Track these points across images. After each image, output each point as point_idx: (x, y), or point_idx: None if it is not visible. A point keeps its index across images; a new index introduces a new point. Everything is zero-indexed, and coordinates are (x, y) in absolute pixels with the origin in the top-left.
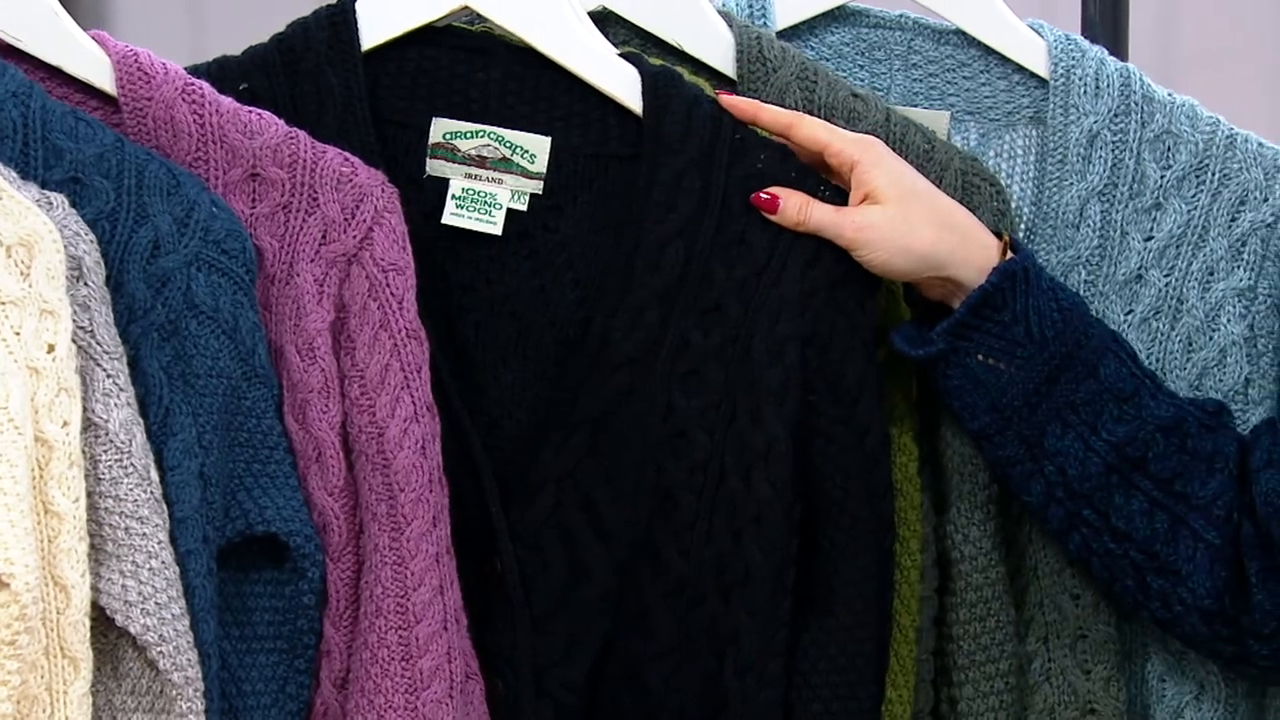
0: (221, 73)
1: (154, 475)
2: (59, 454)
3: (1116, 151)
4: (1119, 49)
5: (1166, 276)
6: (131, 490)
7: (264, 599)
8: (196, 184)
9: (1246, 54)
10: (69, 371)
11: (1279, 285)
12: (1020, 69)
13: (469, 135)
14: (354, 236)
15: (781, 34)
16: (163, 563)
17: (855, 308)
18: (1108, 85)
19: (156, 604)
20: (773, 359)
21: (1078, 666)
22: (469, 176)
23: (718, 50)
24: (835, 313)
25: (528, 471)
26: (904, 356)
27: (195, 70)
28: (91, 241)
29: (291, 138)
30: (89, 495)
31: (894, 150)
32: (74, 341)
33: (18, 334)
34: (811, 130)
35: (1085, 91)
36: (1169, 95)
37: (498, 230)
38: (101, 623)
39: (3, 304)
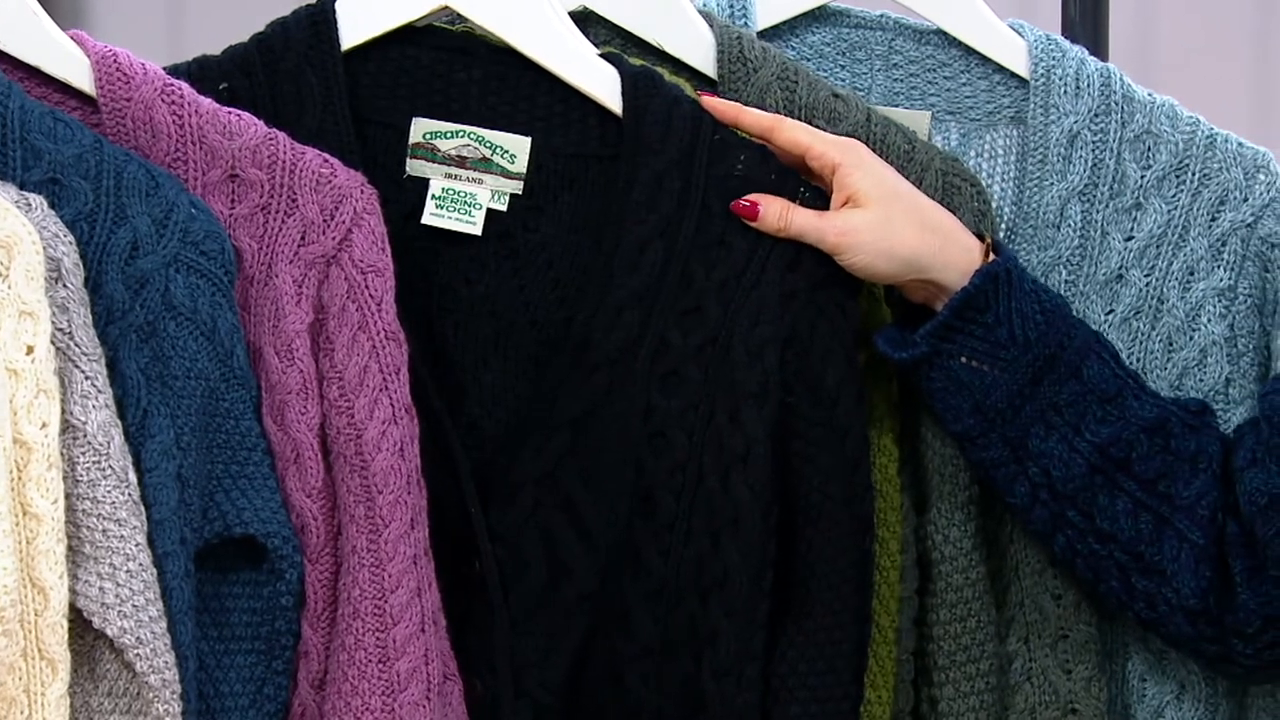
0: (201, 72)
1: (132, 477)
2: (37, 456)
3: (1097, 151)
4: (1099, 49)
5: (1147, 276)
6: (110, 492)
7: (242, 600)
8: (175, 185)
9: (1227, 53)
10: (48, 373)
11: (1259, 285)
12: (1001, 69)
13: (449, 135)
14: (333, 238)
15: (762, 34)
16: (140, 565)
17: (835, 310)
18: (1088, 85)
19: (134, 606)
20: (752, 360)
21: (1059, 666)
22: (449, 176)
23: (699, 50)
24: (815, 315)
25: (507, 472)
26: (886, 359)
27: (175, 70)
28: (70, 243)
29: (271, 139)
30: (67, 497)
31: (875, 151)
32: (52, 343)
33: None
34: (792, 133)
35: (1066, 91)
36: (1149, 95)
37: (478, 230)
38: (79, 625)
39: None
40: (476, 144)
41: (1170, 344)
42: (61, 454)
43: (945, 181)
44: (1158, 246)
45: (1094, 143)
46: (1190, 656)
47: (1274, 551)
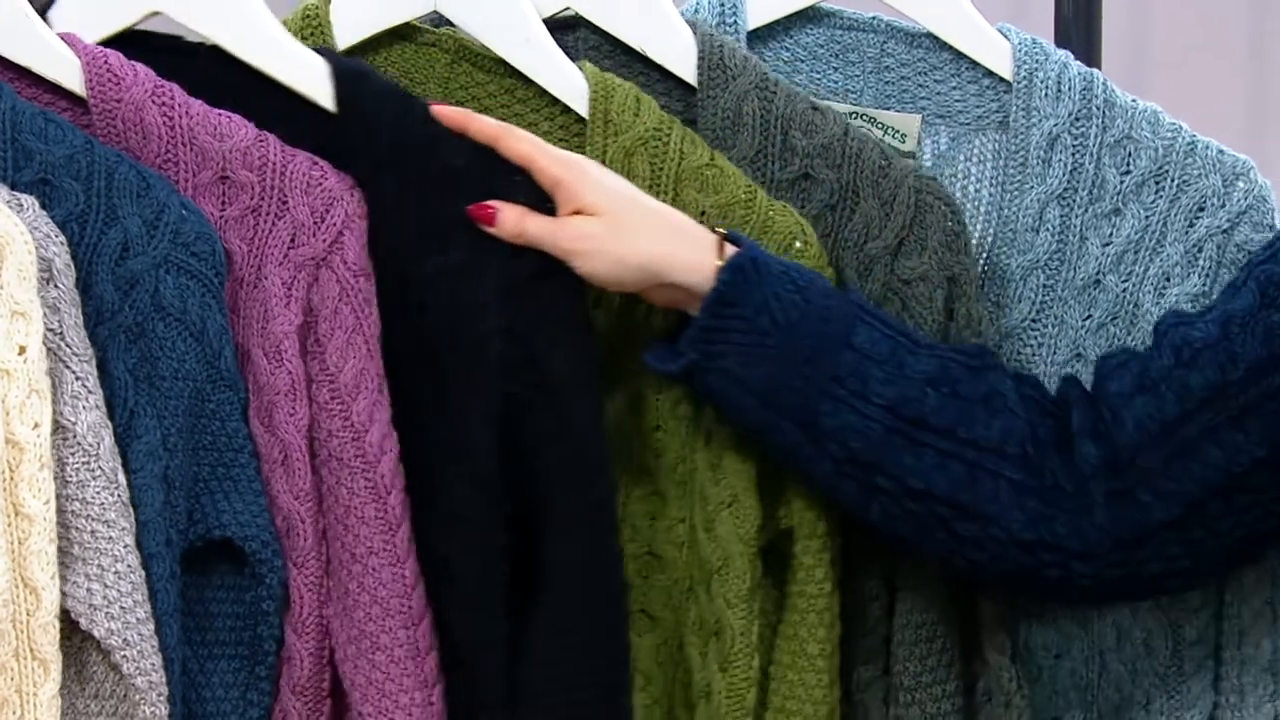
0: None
1: (122, 479)
2: (30, 456)
3: (1076, 155)
4: (1092, 47)
5: (1124, 282)
6: (99, 493)
7: (225, 605)
8: (166, 186)
9: (1221, 52)
10: (40, 373)
11: None
12: (990, 73)
13: None
14: (323, 240)
15: (754, 33)
16: (128, 566)
17: (558, 297)
18: (1069, 89)
19: (121, 608)
20: (473, 355)
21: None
22: None
23: (680, 56)
24: (536, 304)
25: None
26: (660, 374)
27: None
28: (62, 243)
29: (261, 141)
30: (56, 498)
31: (849, 166)
32: (43, 343)
33: None
34: (517, 145)
35: (1047, 95)
36: (1132, 101)
37: None
38: (66, 626)
39: None
40: None
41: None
42: (51, 454)
43: (918, 199)
44: (1135, 252)
45: (1074, 147)
46: (1025, 590)
47: (1154, 479)
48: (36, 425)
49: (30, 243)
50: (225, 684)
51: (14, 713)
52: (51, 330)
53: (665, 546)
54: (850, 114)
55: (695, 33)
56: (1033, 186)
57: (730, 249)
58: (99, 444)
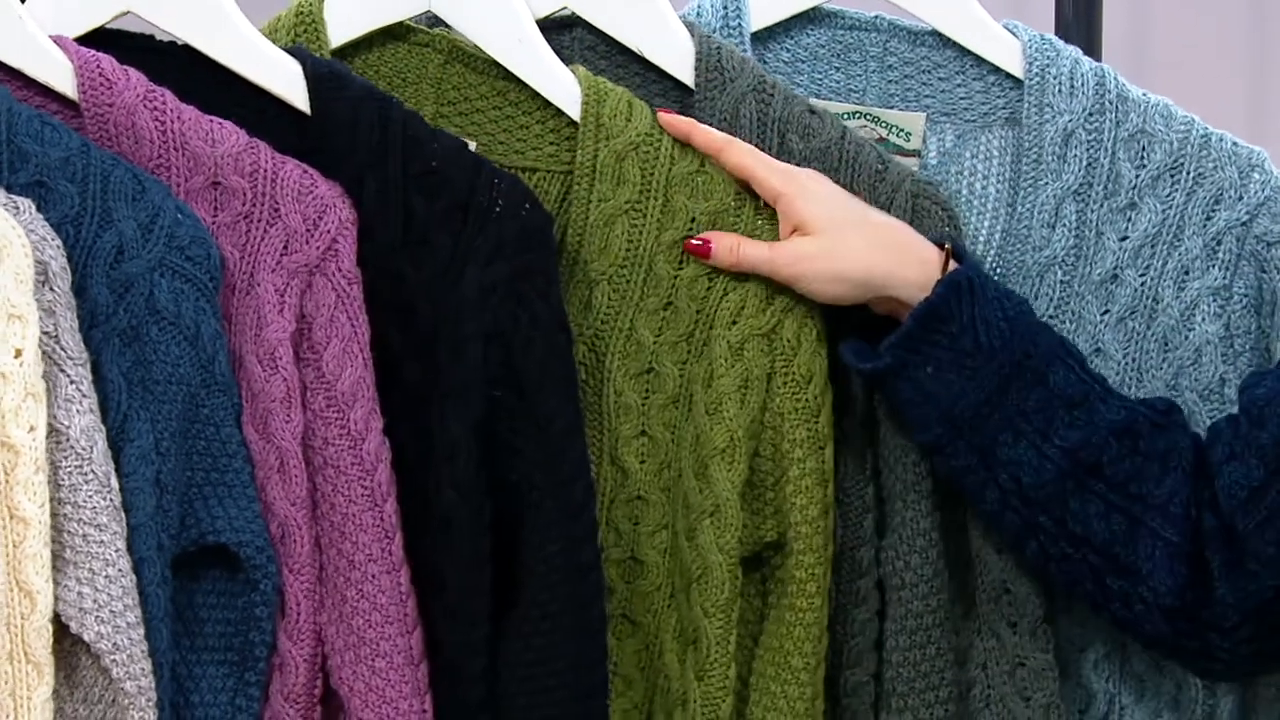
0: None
1: (114, 483)
2: (25, 459)
3: (1091, 151)
4: (1093, 47)
5: (1142, 276)
6: (91, 497)
7: (216, 610)
8: (162, 190)
9: (1222, 53)
10: (36, 377)
11: (1255, 284)
12: (996, 70)
13: None
14: (317, 247)
15: (756, 35)
16: (119, 571)
17: (535, 299)
18: (1082, 84)
19: (111, 612)
20: (453, 358)
21: (1017, 694)
22: None
23: (678, 58)
24: (515, 305)
25: None
26: (854, 371)
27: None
28: (58, 246)
29: (252, 147)
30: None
31: (846, 170)
32: (39, 347)
33: None
34: (740, 158)
35: (1060, 91)
36: (1143, 95)
37: None
38: (57, 630)
39: None
40: None
41: (1165, 344)
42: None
43: (915, 204)
44: (1152, 246)
45: (1089, 142)
46: (1168, 656)
47: (1254, 545)
48: (32, 429)
49: (27, 245)
50: (214, 689)
51: (8, 716)
52: (47, 333)
53: (648, 552)
54: (854, 113)
55: (692, 34)
56: (1048, 183)
57: (954, 265)
58: (92, 448)
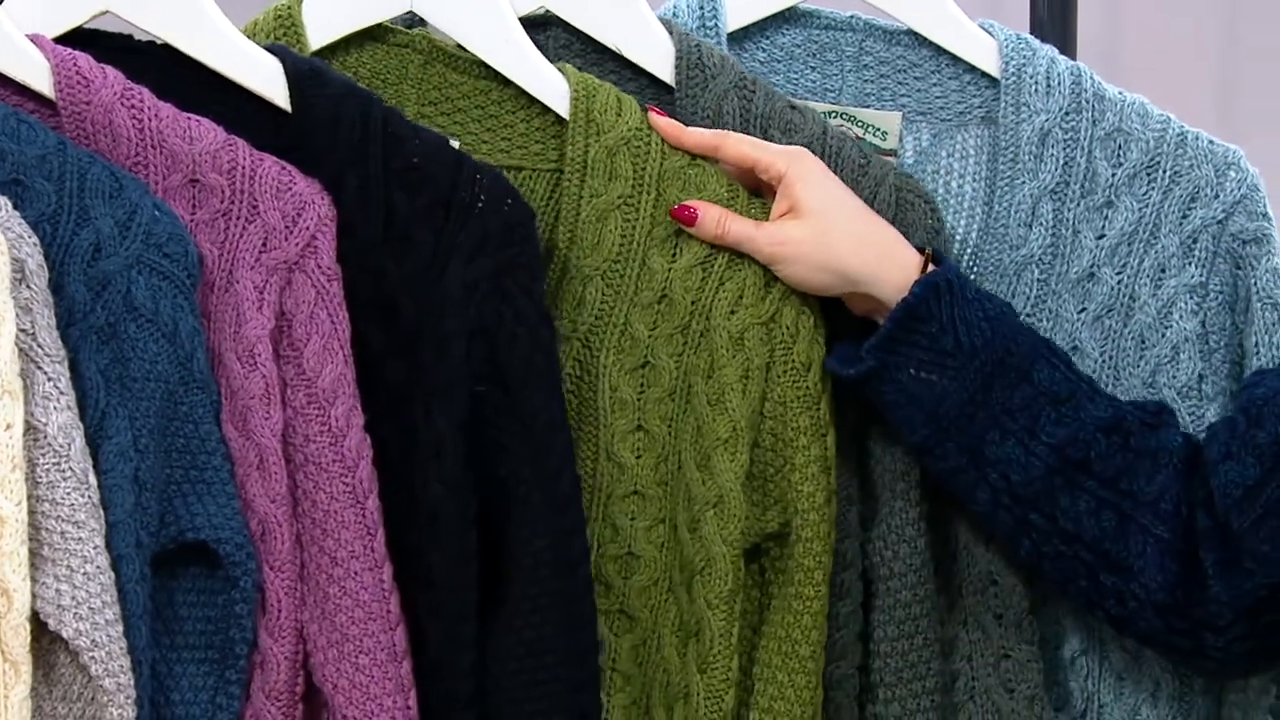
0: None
1: (92, 480)
2: (2, 457)
3: (1068, 150)
4: (1067, 50)
5: (1119, 274)
6: (69, 494)
7: (196, 608)
8: (139, 187)
9: (1195, 55)
10: (12, 374)
11: (1230, 282)
12: (971, 69)
13: None
14: (296, 244)
15: (733, 35)
16: (98, 568)
17: (519, 294)
18: (1059, 83)
19: (90, 609)
20: (438, 355)
21: (1001, 685)
22: None
23: (657, 57)
24: (499, 302)
25: None
26: (838, 376)
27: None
28: (35, 244)
29: (230, 144)
30: (26, 499)
31: (828, 165)
32: (15, 344)
33: None
34: (738, 148)
35: (1037, 90)
36: (1120, 93)
37: None
38: (35, 627)
39: None
40: None
41: (1142, 341)
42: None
43: (899, 197)
44: (1129, 244)
45: (1065, 141)
46: (1162, 653)
47: (1249, 543)
48: (9, 426)
49: (3, 243)
50: (195, 687)
51: None
52: (24, 331)
53: (645, 546)
54: (830, 113)
55: (671, 33)
56: (1024, 182)
57: (933, 269)
58: (70, 445)
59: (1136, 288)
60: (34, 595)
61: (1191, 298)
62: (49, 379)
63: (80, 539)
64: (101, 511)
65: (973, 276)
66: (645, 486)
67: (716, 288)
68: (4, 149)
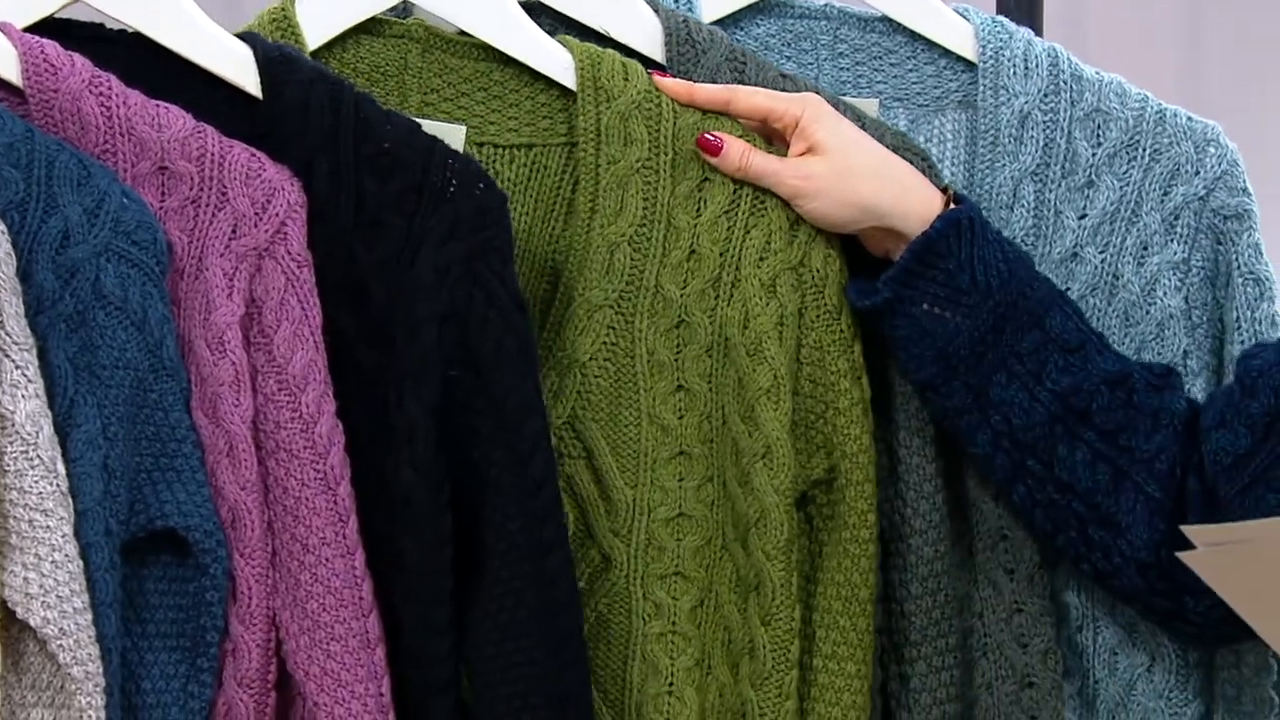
0: None
1: (61, 468)
2: None
3: (1048, 131)
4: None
5: (1102, 253)
6: (37, 483)
7: (166, 596)
8: (108, 175)
9: (1158, 40)
10: None
11: (1211, 257)
12: (947, 54)
13: None
14: (266, 231)
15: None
16: (66, 556)
17: (490, 277)
18: (1036, 65)
19: (58, 597)
20: (409, 340)
21: (1014, 640)
22: None
23: (645, 36)
24: (471, 285)
25: None
26: (853, 308)
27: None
28: (2, 232)
29: (199, 131)
30: None
31: None
32: None
33: None
34: (750, 100)
35: (1015, 73)
36: (1097, 74)
37: None
38: (3, 615)
39: None
40: None
41: (1127, 319)
42: None
43: (897, 154)
44: (1111, 223)
45: (1045, 122)
46: (1143, 613)
47: (1234, 512)
48: None
49: None
50: (166, 675)
51: None
52: None
53: (695, 506)
54: None
55: (657, 12)
56: (1005, 164)
57: (954, 207)
58: (38, 433)
59: (1120, 266)
60: (2, 583)
61: (1175, 274)
62: (17, 367)
63: (48, 527)
64: (70, 500)
65: None
66: (690, 446)
67: (744, 235)
68: None
